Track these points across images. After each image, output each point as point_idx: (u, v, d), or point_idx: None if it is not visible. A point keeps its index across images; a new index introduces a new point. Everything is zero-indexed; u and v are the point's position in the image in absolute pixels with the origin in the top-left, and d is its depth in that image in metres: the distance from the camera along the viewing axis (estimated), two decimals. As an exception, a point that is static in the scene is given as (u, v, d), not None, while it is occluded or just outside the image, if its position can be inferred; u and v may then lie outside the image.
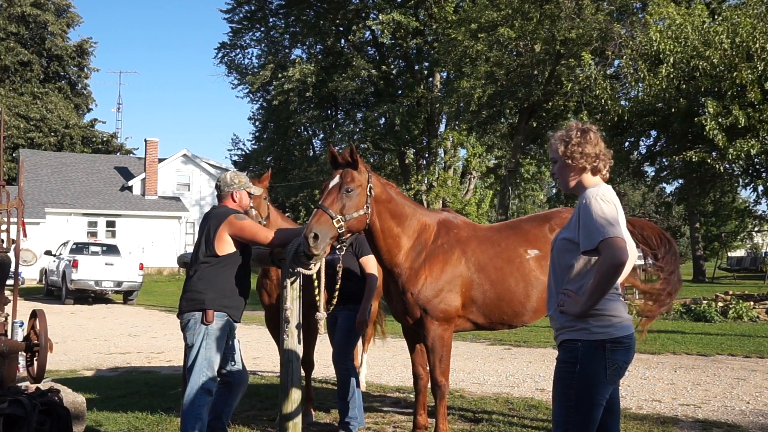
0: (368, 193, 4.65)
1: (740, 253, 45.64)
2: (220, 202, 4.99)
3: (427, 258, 4.90)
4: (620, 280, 3.44)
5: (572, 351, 3.14)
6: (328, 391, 7.65)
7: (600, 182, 3.30)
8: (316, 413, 6.45)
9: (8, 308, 5.54)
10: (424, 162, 31.49)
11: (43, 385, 5.35)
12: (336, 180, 4.59)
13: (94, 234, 34.29)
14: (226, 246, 4.71)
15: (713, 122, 14.29)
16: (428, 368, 5.06)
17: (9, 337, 5.50)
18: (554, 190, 40.98)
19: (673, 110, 15.58)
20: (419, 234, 4.94)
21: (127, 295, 23.04)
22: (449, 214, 5.26)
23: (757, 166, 15.99)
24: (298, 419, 4.84)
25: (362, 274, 5.60)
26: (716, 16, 17.43)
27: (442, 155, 31.21)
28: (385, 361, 10.12)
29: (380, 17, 27.81)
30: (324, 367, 8.68)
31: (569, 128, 3.38)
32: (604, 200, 3.10)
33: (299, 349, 4.91)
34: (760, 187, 16.36)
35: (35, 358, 5.41)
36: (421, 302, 4.86)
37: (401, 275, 4.87)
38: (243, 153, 44.06)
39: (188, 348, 4.71)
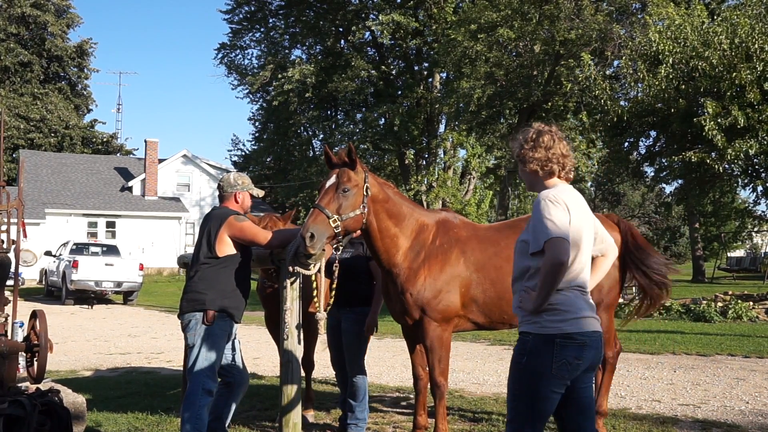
0: (365, 193, 4.64)
1: (740, 253, 45.62)
2: (222, 203, 5.01)
3: (426, 258, 4.89)
4: (598, 278, 3.57)
5: (523, 343, 3.23)
6: (328, 391, 7.66)
7: (558, 183, 3.37)
8: (316, 413, 6.46)
9: (8, 309, 5.54)
10: (424, 162, 31.48)
11: (43, 386, 5.36)
12: (332, 180, 4.59)
13: (94, 234, 34.30)
14: (226, 247, 4.73)
15: (712, 122, 14.29)
16: (427, 369, 5.07)
17: (9, 337, 5.50)
18: (554, 191, 40.99)
19: (672, 110, 15.58)
20: (417, 234, 4.93)
21: (127, 296, 23.04)
22: (448, 214, 5.26)
23: (757, 167, 15.99)
24: (298, 419, 4.85)
25: (370, 277, 5.57)
26: (715, 17, 17.42)
27: (442, 155, 31.20)
28: (385, 361, 10.13)
29: (380, 18, 27.80)
30: (324, 367, 8.68)
31: (527, 131, 3.46)
32: (553, 201, 3.19)
33: (299, 349, 4.93)
34: (760, 188, 16.36)
35: (35, 359, 5.41)
36: (420, 302, 4.85)
37: (400, 275, 4.87)
38: (243, 153, 44.09)
39: (189, 348, 4.72)
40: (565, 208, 3.19)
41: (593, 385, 3.41)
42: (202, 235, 4.83)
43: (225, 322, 4.74)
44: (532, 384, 3.16)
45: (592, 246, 3.42)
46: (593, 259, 3.55)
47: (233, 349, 4.94)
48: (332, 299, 5.13)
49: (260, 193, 5.21)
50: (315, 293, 4.94)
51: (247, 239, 4.75)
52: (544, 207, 3.17)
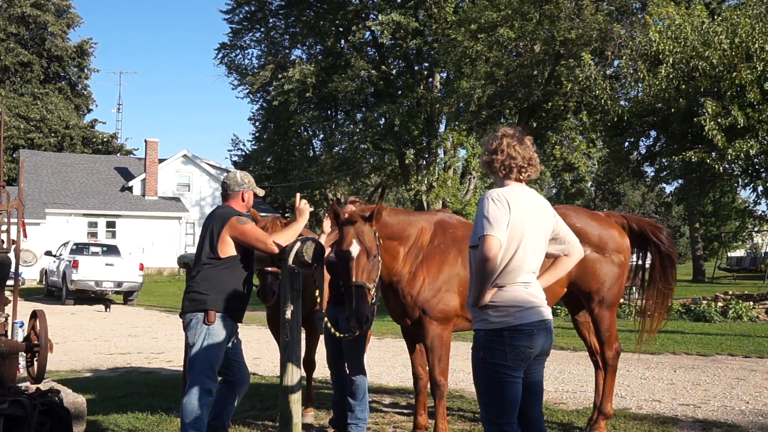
0: (378, 243, 4.53)
1: (740, 253, 45.61)
2: (226, 201, 4.99)
3: (425, 259, 4.91)
4: (557, 276, 3.74)
5: (477, 340, 3.47)
6: (328, 391, 7.65)
7: (510, 183, 3.54)
8: (317, 413, 6.46)
9: (8, 309, 5.54)
10: (424, 162, 31.45)
11: (44, 386, 5.36)
12: (357, 246, 4.35)
13: (94, 234, 34.30)
14: (227, 248, 4.71)
15: (712, 122, 14.29)
16: (427, 368, 5.07)
17: (9, 337, 5.50)
18: (554, 190, 41.00)
19: (672, 110, 15.57)
20: (415, 239, 4.94)
21: (128, 296, 23.03)
22: (444, 215, 5.27)
23: (757, 167, 15.98)
24: (298, 419, 4.85)
25: None
26: (716, 17, 17.42)
27: (442, 155, 31.18)
28: (385, 361, 10.13)
29: (380, 18, 27.77)
30: (324, 367, 8.67)
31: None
32: (494, 199, 3.38)
33: (300, 349, 4.93)
34: (760, 188, 16.36)
35: (35, 359, 5.41)
36: (420, 303, 4.86)
37: (401, 281, 4.88)
38: (243, 153, 44.01)
39: (189, 347, 4.72)
40: (506, 206, 3.37)
41: (543, 370, 3.61)
42: (205, 234, 4.82)
43: (226, 322, 4.74)
44: (493, 376, 3.39)
45: (543, 244, 3.56)
46: (556, 258, 3.75)
47: (235, 348, 4.94)
48: (319, 299, 5.14)
49: (261, 192, 5.20)
50: (317, 293, 4.95)
51: (247, 242, 4.73)
52: (484, 205, 3.38)
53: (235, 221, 4.71)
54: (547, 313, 3.50)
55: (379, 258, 4.52)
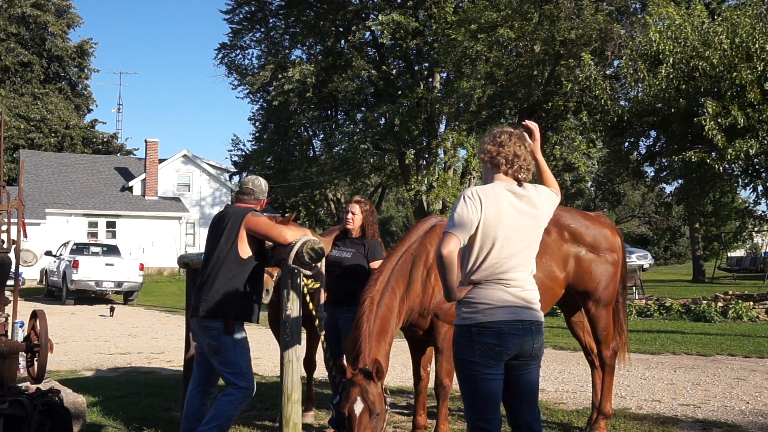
0: (385, 398, 4.30)
1: (740, 253, 45.58)
2: (240, 203, 4.99)
3: (432, 268, 4.89)
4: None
5: (454, 335, 3.55)
6: (328, 391, 7.65)
7: (498, 180, 3.53)
8: (317, 413, 6.46)
9: (8, 309, 5.54)
10: (424, 162, 31.47)
11: (44, 386, 5.35)
12: (360, 404, 4.13)
13: (94, 234, 34.30)
14: (246, 246, 4.72)
15: (712, 122, 14.29)
16: (431, 369, 5.08)
17: (9, 337, 5.50)
18: (554, 191, 40.95)
19: (672, 110, 15.58)
20: (422, 264, 4.90)
21: (128, 296, 23.02)
22: (435, 219, 5.25)
23: (757, 167, 15.99)
24: (299, 419, 4.85)
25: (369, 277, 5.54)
26: (716, 17, 17.43)
27: (442, 155, 31.18)
28: (385, 361, 10.11)
29: (380, 18, 27.79)
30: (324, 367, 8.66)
31: (492, 129, 3.72)
32: (467, 198, 3.39)
33: (300, 349, 4.93)
34: (760, 188, 16.36)
35: (35, 359, 5.41)
36: (432, 308, 4.88)
37: (417, 299, 4.90)
38: (243, 153, 44.02)
39: (213, 353, 4.73)
40: (478, 205, 3.36)
41: (536, 373, 3.52)
42: (221, 234, 4.77)
43: (242, 325, 4.85)
44: (465, 371, 3.43)
45: (530, 239, 3.48)
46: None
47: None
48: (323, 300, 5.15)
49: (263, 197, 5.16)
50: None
51: (262, 233, 4.73)
52: (457, 203, 3.41)
53: (250, 215, 4.75)
54: (529, 314, 3.41)
55: (386, 414, 4.23)
